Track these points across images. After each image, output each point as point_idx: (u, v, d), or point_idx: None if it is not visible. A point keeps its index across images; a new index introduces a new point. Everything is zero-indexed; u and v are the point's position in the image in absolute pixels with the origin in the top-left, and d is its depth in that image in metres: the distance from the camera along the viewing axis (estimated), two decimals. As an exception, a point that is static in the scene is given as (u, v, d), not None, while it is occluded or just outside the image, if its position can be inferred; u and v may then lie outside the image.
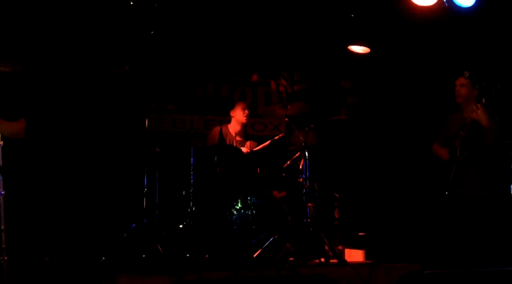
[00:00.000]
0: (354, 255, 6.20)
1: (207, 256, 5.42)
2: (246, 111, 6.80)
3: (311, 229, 5.87)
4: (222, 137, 6.37)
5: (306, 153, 6.09)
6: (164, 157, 6.05)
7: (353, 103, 8.17)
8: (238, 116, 6.78)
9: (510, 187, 5.57)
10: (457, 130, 5.60)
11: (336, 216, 6.66)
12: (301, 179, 6.14)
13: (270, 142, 6.50)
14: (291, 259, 5.75)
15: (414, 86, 7.52)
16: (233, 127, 6.83)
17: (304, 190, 6.03)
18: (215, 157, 6.00)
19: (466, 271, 4.89)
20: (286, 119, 6.43)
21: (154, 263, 5.28)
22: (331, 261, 5.69)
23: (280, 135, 6.68)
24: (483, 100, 5.39)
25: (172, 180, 6.25)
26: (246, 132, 7.10)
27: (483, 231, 5.37)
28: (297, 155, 6.30)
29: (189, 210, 5.73)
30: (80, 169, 6.75)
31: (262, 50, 7.71)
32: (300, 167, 6.24)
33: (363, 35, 7.15)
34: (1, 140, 4.39)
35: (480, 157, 5.48)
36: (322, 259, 5.68)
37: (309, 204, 6.02)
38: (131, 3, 6.43)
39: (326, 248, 5.80)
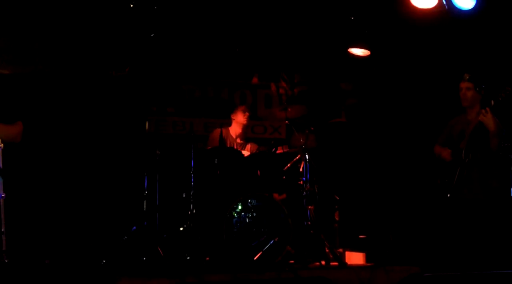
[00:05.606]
0: (355, 258, 6.20)
1: (207, 258, 5.41)
2: (247, 113, 6.80)
3: (311, 231, 5.86)
4: (222, 139, 6.36)
5: (306, 155, 6.08)
6: (164, 159, 6.05)
7: (353, 105, 8.17)
8: (239, 118, 6.78)
9: (510, 190, 5.56)
10: (461, 132, 5.59)
11: (337, 218, 6.66)
12: (301, 182, 6.14)
13: (273, 151, 6.43)
14: (292, 261, 5.74)
15: (414, 89, 7.52)
16: (234, 130, 6.83)
17: (305, 193, 6.02)
18: (216, 160, 6.00)
19: (467, 274, 4.88)
20: (286, 121, 6.43)
21: (155, 265, 5.27)
22: (331, 263, 5.67)
23: (285, 150, 6.60)
24: (492, 102, 5.35)
25: (173, 182, 6.24)
26: (247, 135, 7.10)
27: (484, 233, 5.37)
28: (297, 157, 6.30)
29: (189, 212, 5.72)
30: (80, 172, 6.75)
31: (262, 53, 7.71)
32: (301, 169, 6.24)
33: (363, 37, 7.16)
34: (1, 142, 4.38)
35: (482, 160, 5.48)
36: (323, 262, 5.66)
37: (309, 207, 6.01)
38: (131, 5, 6.43)
39: (327, 250, 5.79)
